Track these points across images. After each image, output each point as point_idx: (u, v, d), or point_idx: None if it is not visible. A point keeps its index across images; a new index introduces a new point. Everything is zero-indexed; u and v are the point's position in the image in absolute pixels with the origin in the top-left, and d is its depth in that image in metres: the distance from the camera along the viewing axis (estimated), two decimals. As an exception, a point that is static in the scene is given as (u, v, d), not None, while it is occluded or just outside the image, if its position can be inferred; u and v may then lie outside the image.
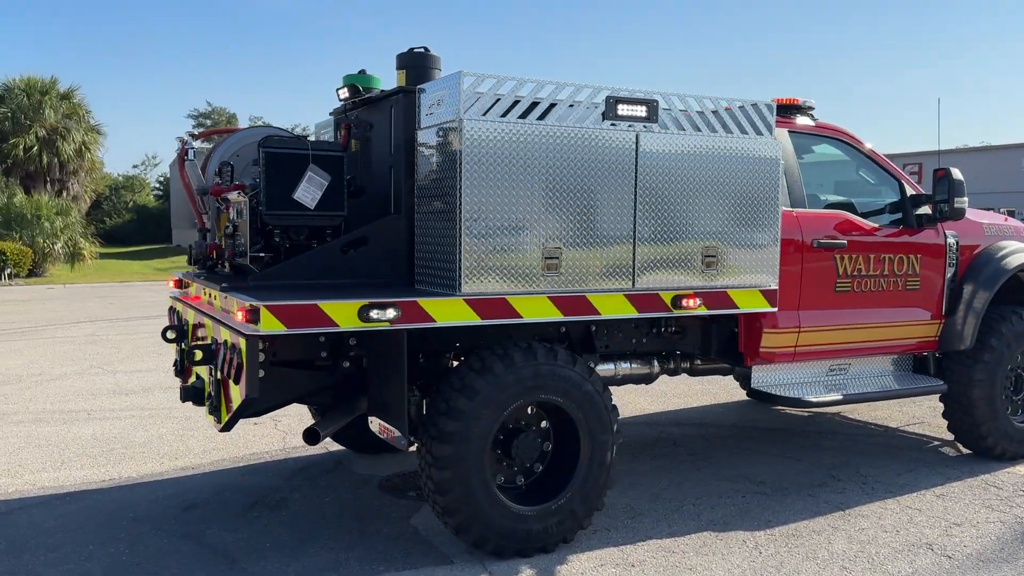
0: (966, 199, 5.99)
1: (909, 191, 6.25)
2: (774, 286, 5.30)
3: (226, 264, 5.19)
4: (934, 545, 4.88)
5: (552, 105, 4.71)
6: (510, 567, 4.54)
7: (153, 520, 5.24)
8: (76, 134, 33.12)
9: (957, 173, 5.97)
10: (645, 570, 4.51)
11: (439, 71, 5.07)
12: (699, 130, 5.02)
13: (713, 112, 5.12)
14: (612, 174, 4.70)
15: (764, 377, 5.80)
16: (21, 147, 31.79)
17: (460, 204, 4.32)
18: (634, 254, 4.81)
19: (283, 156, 4.66)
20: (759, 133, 5.20)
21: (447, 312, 4.35)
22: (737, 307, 5.20)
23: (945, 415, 6.60)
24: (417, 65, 4.98)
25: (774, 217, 5.22)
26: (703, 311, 5.10)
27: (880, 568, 4.56)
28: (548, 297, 4.59)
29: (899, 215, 6.25)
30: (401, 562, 4.59)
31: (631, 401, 8.56)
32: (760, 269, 5.22)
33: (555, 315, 4.63)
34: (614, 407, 4.90)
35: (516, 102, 4.53)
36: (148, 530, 5.08)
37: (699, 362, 5.98)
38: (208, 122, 71.64)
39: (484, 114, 4.37)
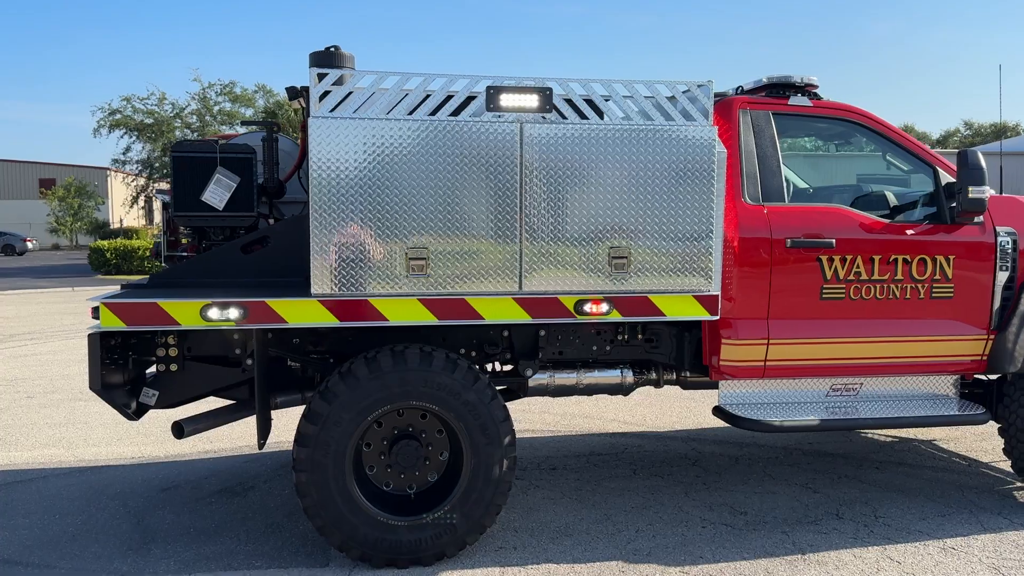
0: (986, 188, 4.85)
1: (946, 180, 5.19)
2: (713, 291, 4.67)
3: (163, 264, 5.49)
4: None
5: (448, 98, 4.47)
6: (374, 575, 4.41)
7: (124, 497, 5.68)
8: None
9: (976, 157, 4.86)
10: (499, 597, 4.18)
11: (351, 69, 5.01)
12: (607, 118, 4.53)
13: (627, 98, 4.60)
14: (490, 169, 4.38)
15: (732, 395, 5.12)
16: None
17: (311, 204, 4.25)
18: (520, 254, 4.45)
19: (192, 159, 4.84)
20: (689, 118, 4.59)
21: (300, 313, 4.30)
22: (663, 314, 4.65)
23: (1006, 452, 5.42)
24: (326, 64, 4.94)
25: (706, 212, 4.59)
26: (616, 317, 4.61)
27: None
28: (419, 300, 4.38)
29: (935, 209, 5.21)
30: (284, 560, 4.62)
31: (664, 413, 7.91)
32: (691, 271, 4.62)
33: (428, 319, 4.41)
34: (506, 419, 4.56)
35: (405, 97, 4.36)
36: (113, 507, 5.51)
37: (687, 374, 5.40)
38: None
39: (332, 110, 4.26)
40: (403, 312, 4.38)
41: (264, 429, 4.65)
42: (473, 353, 5.15)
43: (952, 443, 6.90)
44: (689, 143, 4.55)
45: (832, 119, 5.27)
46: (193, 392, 4.95)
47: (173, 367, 4.73)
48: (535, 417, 7.89)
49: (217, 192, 4.83)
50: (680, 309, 4.67)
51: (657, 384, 5.45)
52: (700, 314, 4.69)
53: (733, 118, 5.04)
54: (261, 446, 4.54)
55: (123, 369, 4.63)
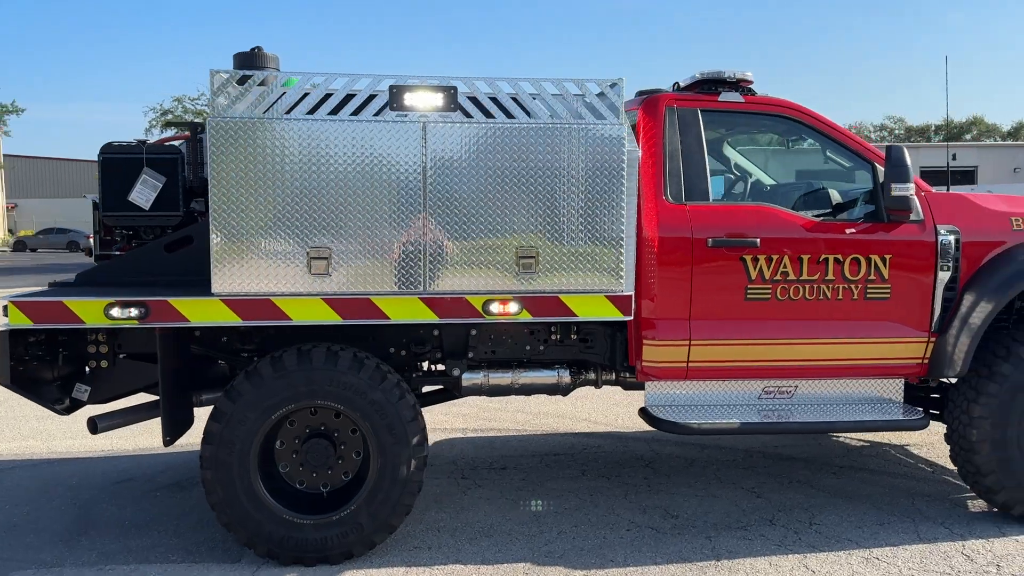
0: (909, 186, 4.66)
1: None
2: (626, 291, 4.60)
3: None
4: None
5: (349, 96, 4.49)
6: (277, 574, 4.45)
7: (77, 489, 5.84)
8: None
9: (901, 153, 4.67)
10: (391, 596, 4.19)
11: (276, 70, 5.05)
12: (514, 117, 4.49)
13: (534, 97, 4.54)
14: (393, 169, 4.38)
15: (657, 396, 5.03)
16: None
17: (210, 204, 4.31)
18: (425, 254, 4.44)
19: (119, 161, 4.94)
20: (599, 117, 4.53)
21: (202, 312, 4.36)
22: (575, 314, 4.60)
23: (952, 459, 5.22)
24: (248, 65, 4.99)
25: (616, 212, 4.52)
26: (527, 318, 4.58)
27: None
28: (324, 299, 4.41)
29: (873, 207, 5.04)
30: (201, 555, 4.70)
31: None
32: (601, 271, 4.56)
33: (332, 318, 4.43)
34: (415, 419, 4.56)
35: (312, 96, 4.39)
36: (63, 498, 5.67)
37: (626, 375, 5.33)
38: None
39: (227, 110, 4.31)
40: (307, 311, 4.41)
41: (176, 427, 4.72)
42: (403, 352, 5.17)
43: (924, 448, 6.67)
44: (598, 142, 4.49)
45: (766, 115, 5.14)
46: (125, 388, 5.07)
47: (104, 363, 4.84)
48: (507, 416, 7.87)
49: (143, 192, 4.92)
50: (592, 309, 4.61)
51: (596, 384, 5.39)
52: (612, 314, 4.63)
53: (659, 116, 4.95)
54: (167, 443, 4.62)
55: (52, 365, 4.75)
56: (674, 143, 4.92)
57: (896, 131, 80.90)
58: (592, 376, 5.35)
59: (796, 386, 5.07)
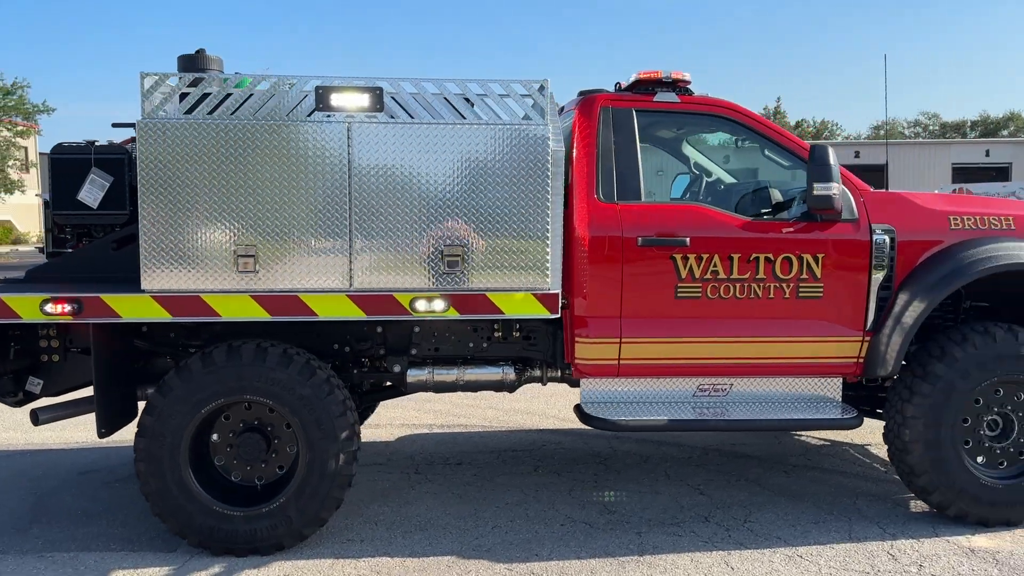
0: (831, 185, 4.65)
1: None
2: (553, 289, 4.66)
3: None
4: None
5: (270, 97, 4.58)
6: (207, 563, 4.56)
7: (40, 480, 6.02)
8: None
9: (824, 152, 4.66)
10: (310, 587, 4.29)
11: (220, 72, 5.16)
12: (441, 117, 4.56)
13: (461, 97, 4.61)
14: (318, 169, 4.48)
15: (591, 393, 5.07)
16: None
17: (139, 203, 4.44)
18: (351, 252, 4.53)
19: (67, 161, 5.08)
20: (525, 117, 4.59)
21: (133, 308, 4.49)
22: (503, 312, 4.67)
23: (889, 458, 5.21)
24: (191, 67, 5.11)
25: (541, 211, 4.58)
26: (454, 315, 4.65)
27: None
28: (252, 296, 4.52)
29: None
30: (140, 544, 4.83)
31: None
32: (528, 269, 4.62)
33: (260, 315, 4.54)
34: (343, 415, 4.65)
35: (228, 96, 4.49)
36: (25, 488, 5.85)
37: (569, 371, 5.38)
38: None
39: (156, 111, 4.42)
40: (235, 308, 4.52)
41: (115, 419, 4.84)
42: (347, 349, 5.26)
43: (884, 448, 6.62)
44: (523, 142, 4.55)
45: (701, 115, 5.16)
46: (76, 381, 5.20)
47: (55, 358, 4.99)
48: (478, 413, 7.95)
49: (92, 191, 5.06)
50: (519, 307, 4.67)
51: (542, 382, 5.46)
52: (540, 312, 4.69)
53: (593, 116, 4.99)
54: (102, 435, 4.75)
55: (4, 359, 4.90)
56: (607, 143, 4.96)
57: (930, 127, 79.75)
58: (537, 373, 5.42)
59: (731, 384, 5.09)
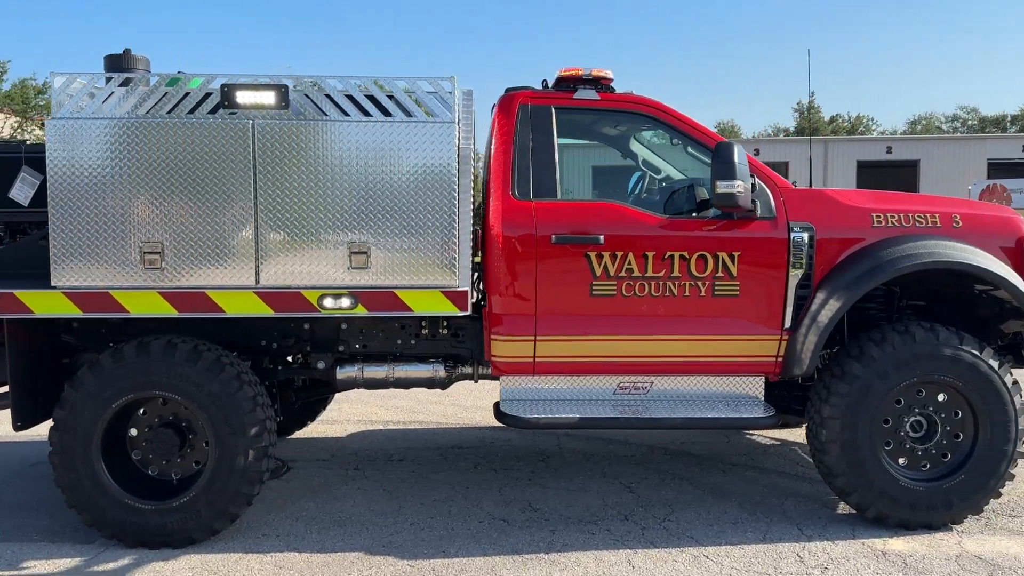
0: (734, 183, 4.57)
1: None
2: (461, 286, 4.66)
3: None
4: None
5: (184, 95, 4.62)
6: (119, 555, 4.64)
7: (-5, 474, 6.14)
8: None
9: (728, 150, 4.59)
10: (208, 580, 4.34)
11: (147, 71, 5.22)
12: (347, 115, 4.59)
13: (368, 96, 4.63)
14: (223, 166, 4.52)
15: (509, 391, 5.06)
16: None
17: (48, 201, 4.52)
18: (256, 250, 4.57)
19: (-2, 160, 5.19)
20: (432, 115, 4.60)
21: (45, 304, 4.57)
22: (411, 310, 4.68)
23: (812, 458, 5.14)
24: (116, 67, 5.17)
25: (448, 209, 4.59)
26: (362, 312, 4.68)
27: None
28: (160, 292, 4.58)
29: (733, 203, 4.97)
30: (62, 535, 4.94)
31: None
32: (435, 267, 4.64)
33: (168, 311, 4.60)
34: (253, 411, 4.69)
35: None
36: (-25, 481, 5.98)
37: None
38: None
39: (61, 112, 4.50)
40: (144, 305, 4.58)
41: (32, 413, 4.91)
42: (275, 345, 5.32)
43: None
44: (428, 139, 4.56)
45: (622, 112, 5.13)
46: (4, 377, 5.31)
47: None
48: (440, 410, 7.98)
49: (22, 189, 5.15)
50: (428, 305, 4.69)
51: (473, 379, 5.47)
52: (449, 310, 4.70)
53: (512, 114, 4.98)
54: (17, 428, 4.83)
55: None
56: (525, 140, 4.95)
57: (969, 121, 78.27)
58: (469, 371, 5.43)
59: (652, 382, 5.05)
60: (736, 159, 4.54)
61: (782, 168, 49.02)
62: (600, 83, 5.10)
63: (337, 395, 7.95)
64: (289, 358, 5.53)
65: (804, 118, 74.82)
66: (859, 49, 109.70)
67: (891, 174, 51.64)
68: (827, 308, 4.77)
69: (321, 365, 5.28)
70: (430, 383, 5.39)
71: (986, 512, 5.06)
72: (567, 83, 5.10)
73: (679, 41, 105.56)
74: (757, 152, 42.67)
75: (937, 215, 4.98)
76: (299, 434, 7.05)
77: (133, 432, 4.82)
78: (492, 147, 4.98)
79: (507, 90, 5.28)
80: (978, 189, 43.09)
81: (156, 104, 4.55)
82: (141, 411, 4.80)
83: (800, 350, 4.83)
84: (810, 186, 5.38)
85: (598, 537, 4.81)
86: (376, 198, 4.57)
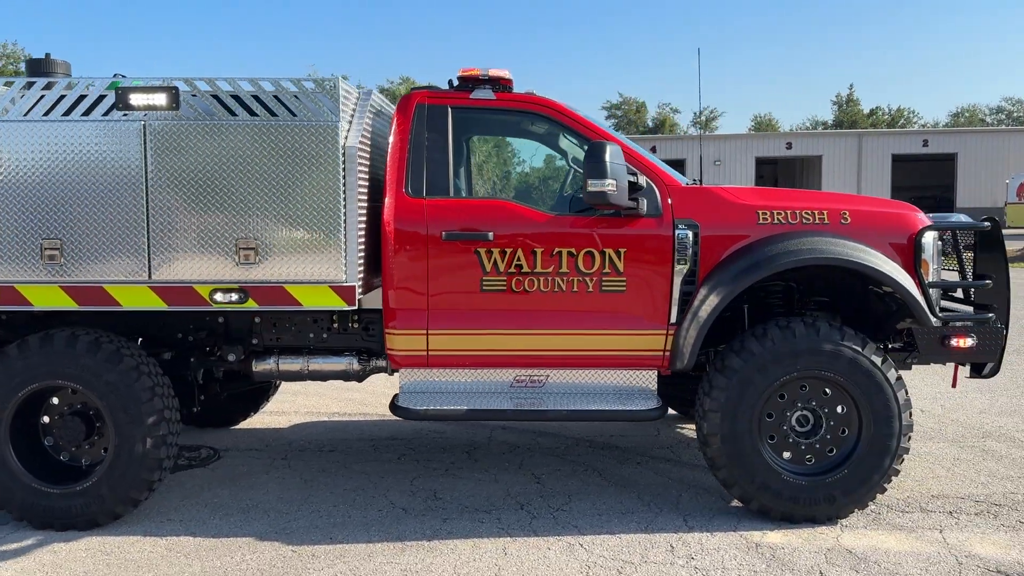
0: (604, 182, 4.64)
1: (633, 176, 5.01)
2: (349, 281, 4.82)
3: None
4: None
5: (79, 97, 4.82)
6: (25, 535, 4.88)
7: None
8: None
9: (600, 150, 4.65)
10: (87, 560, 4.56)
11: (67, 75, 5.45)
12: (235, 115, 4.76)
13: (254, 96, 4.79)
14: (115, 166, 4.73)
15: (408, 384, 5.21)
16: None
17: (-44, 199, 4.77)
18: (148, 246, 4.77)
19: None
20: (317, 114, 4.75)
21: (-51, 298, 4.82)
22: (301, 304, 4.86)
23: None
24: (37, 71, 5.40)
25: (333, 206, 4.74)
26: (253, 307, 4.86)
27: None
28: (60, 287, 4.81)
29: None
30: (-18, 518, 5.17)
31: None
32: (322, 262, 4.80)
33: (69, 304, 4.83)
34: (151, 400, 4.89)
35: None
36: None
37: None
38: (619, 113, 74.92)
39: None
40: (47, 298, 4.82)
41: None
42: (190, 338, 5.53)
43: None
44: (314, 138, 4.72)
45: (517, 112, 5.24)
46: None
47: None
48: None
49: None
50: (316, 299, 4.85)
51: (388, 371, 5.62)
52: (337, 304, 4.86)
53: (409, 113, 5.12)
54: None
55: None
56: (420, 139, 5.08)
57: (1016, 113, 76.55)
58: (383, 363, 5.58)
59: (547, 375, 5.16)
60: (608, 158, 4.62)
61: (816, 163, 48.74)
62: (498, 83, 5.21)
63: (293, 388, 8.23)
64: (208, 351, 5.71)
65: (841, 111, 73.86)
66: (901, 40, 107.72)
67: (927, 168, 50.93)
68: (707, 304, 4.83)
69: (232, 358, 5.47)
70: (345, 376, 5.55)
71: (879, 507, 5.10)
72: (466, 83, 5.22)
73: (719, 32, 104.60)
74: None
75: (825, 212, 5.01)
76: (244, 424, 7.27)
77: (45, 419, 5.05)
78: (390, 146, 5.12)
79: (411, 89, 5.42)
80: (1016, 182, 42.22)
81: (54, 106, 4.75)
82: (54, 400, 5.03)
83: (682, 344, 4.91)
84: (699, 182, 5.43)
85: (486, 525, 4.94)
86: (262, 195, 4.74)
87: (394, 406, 5.13)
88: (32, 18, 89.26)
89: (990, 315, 5.12)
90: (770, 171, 52.92)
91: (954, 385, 5.62)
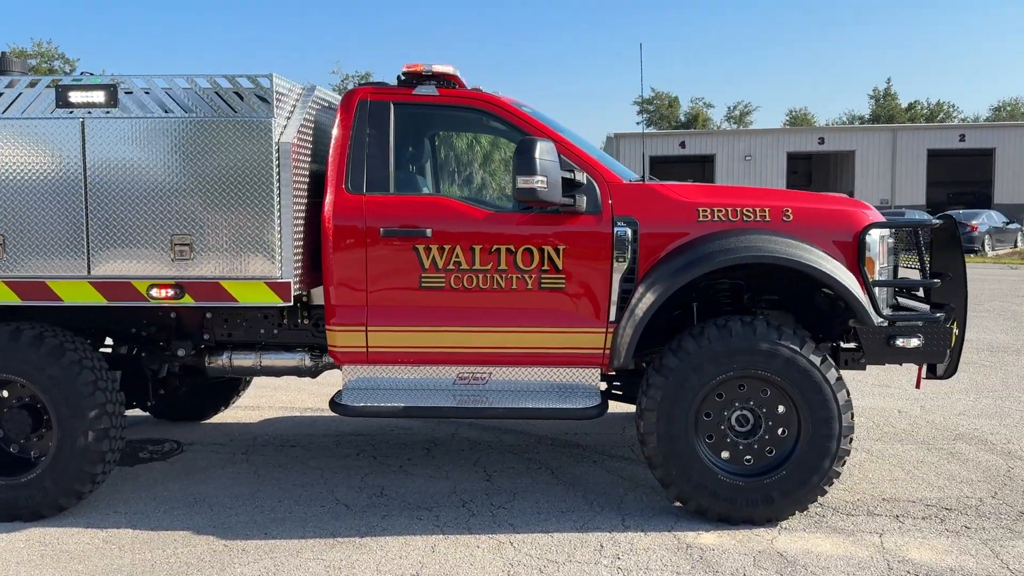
0: (534, 178, 4.59)
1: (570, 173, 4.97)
2: (284, 278, 4.84)
3: None
4: None
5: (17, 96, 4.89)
6: (-30, 527, 4.98)
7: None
8: None
9: (531, 146, 4.60)
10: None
11: (24, 73, 5.53)
12: (170, 112, 4.80)
13: (190, 92, 4.81)
14: (55, 162, 4.79)
15: (351, 381, 5.21)
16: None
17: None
18: (87, 242, 4.83)
19: None
20: (251, 111, 4.77)
21: None
22: (236, 300, 4.89)
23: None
24: (-7, 69, 5.50)
25: (267, 203, 4.77)
26: (189, 302, 4.90)
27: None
28: (4, 281, 4.89)
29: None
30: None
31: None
32: (256, 259, 4.82)
33: (12, 299, 4.91)
34: (92, 395, 4.95)
35: None
36: None
37: None
38: (651, 108, 74.37)
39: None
40: (-8, 294, 4.90)
41: None
42: (144, 333, 5.60)
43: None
44: (248, 134, 4.74)
45: (459, 107, 5.22)
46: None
47: None
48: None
49: None
50: (252, 295, 4.88)
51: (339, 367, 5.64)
52: (272, 300, 4.88)
53: (351, 109, 5.12)
54: None
55: None
56: (361, 136, 5.08)
57: (1065, 106, 74.72)
58: (332, 360, 5.60)
59: (491, 373, 5.14)
60: (537, 154, 4.57)
61: (849, 158, 48.09)
62: (443, 79, 5.20)
63: (272, 382, 8.30)
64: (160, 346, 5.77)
65: (878, 105, 72.64)
66: (942, 32, 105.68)
67: (965, 163, 49.95)
68: (643, 302, 4.78)
69: (181, 352, 5.53)
70: (298, 372, 5.59)
71: (825, 510, 5.02)
72: (411, 79, 5.22)
73: (756, 25, 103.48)
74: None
75: (767, 209, 4.93)
76: (216, 419, 7.35)
77: (-6, 412, 5.15)
78: (332, 142, 5.12)
79: (357, 85, 5.42)
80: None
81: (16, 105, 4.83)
82: (4, 392, 5.12)
83: (619, 343, 4.86)
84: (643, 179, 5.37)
85: (423, 523, 4.94)
86: (197, 191, 4.78)
87: (332, 403, 5.15)
88: (66, 17, 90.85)
89: (938, 315, 5.01)
90: (804, 167, 52.26)
91: (917, 386, 5.52)
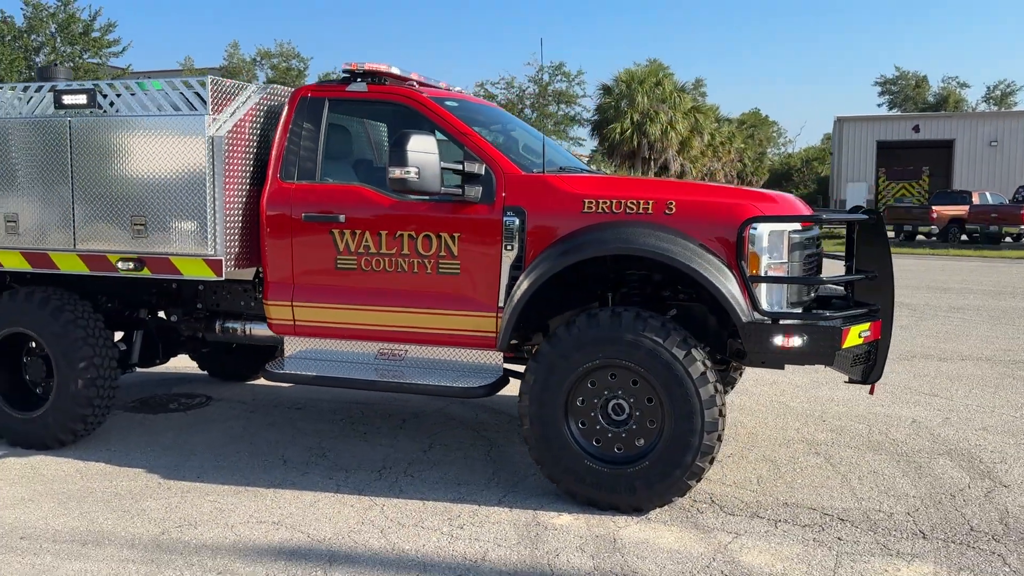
0: (406, 169, 4.85)
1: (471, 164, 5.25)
2: (217, 255, 5.53)
3: None
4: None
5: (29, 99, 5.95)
6: (-4, 451, 6.15)
7: None
8: (663, 116, 37.23)
9: (405, 139, 4.86)
10: (14, 473, 5.67)
11: (68, 80, 6.63)
12: (133, 111, 5.63)
13: (146, 93, 5.60)
14: (51, 155, 5.78)
15: (293, 352, 5.80)
16: (617, 131, 37.19)
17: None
18: (73, 220, 5.79)
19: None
20: (192, 110, 5.49)
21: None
22: (182, 273, 5.65)
23: (532, 428, 5.31)
24: (44, 77, 6.63)
25: (201, 189, 5.45)
26: (148, 274, 5.72)
27: None
28: (20, 252, 5.98)
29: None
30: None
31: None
32: (195, 238, 5.54)
33: (26, 267, 5.98)
34: (83, 348, 5.91)
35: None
36: None
37: None
38: (895, 88, 68.93)
39: None
40: (11, 261, 6.01)
41: None
42: (153, 301, 6.58)
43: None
44: (186, 130, 5.47)
45: (384, 103, 5.65)
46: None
47: None
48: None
49: None
50: (193, 270, 5.62)
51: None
52: (208, 275, 5.58)
53: (293, 105, 5.72)
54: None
55: None
56: (298, 129, 5.66)
57: None
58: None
59: (407, 350, 5.56)
60: (409, 147, 4.89)
61: (944, 147, 42.84)
62: (375, 76, 5.66)
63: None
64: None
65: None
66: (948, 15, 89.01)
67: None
68: (521, 289, 4.98)
69: (174, 319, 6.41)
70: (274, 341, 6.30)
71: (704, 506, 4.97)
72: (349, 76, 5.72)
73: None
74: (916, 129, 40.55)
75: (651, 202, 4.93)
76: (255, 381, 8.28)
77: (26, 360, 6.28)
78: (275, 135, 5.73)
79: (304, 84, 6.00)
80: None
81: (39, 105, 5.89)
82: (32, 344, 6.24)
83: (502, 327, 5.09)
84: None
85: (331, 481, 5.44)
86: (148, 178, 5.57)
87: (263, 368, 5.77)
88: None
89: (825, 312, 4.79)
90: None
91: (871, 392, 5.28)
